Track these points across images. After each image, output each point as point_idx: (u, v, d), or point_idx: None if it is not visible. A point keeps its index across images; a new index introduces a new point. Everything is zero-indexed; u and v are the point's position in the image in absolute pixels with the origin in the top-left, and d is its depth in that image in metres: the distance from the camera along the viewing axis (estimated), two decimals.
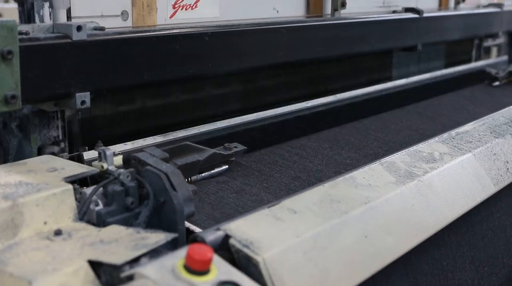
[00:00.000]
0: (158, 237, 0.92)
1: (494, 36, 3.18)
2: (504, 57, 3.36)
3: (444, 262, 1.38)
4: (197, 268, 0.83)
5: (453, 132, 1.63)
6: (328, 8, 2.16)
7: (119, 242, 0.91)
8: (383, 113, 2.11)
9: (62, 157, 1.33)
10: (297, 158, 1.63)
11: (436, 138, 1.56)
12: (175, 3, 1.68)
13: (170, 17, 1.68)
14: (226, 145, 1.56)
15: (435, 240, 1.34)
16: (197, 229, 1.09)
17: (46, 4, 1.35)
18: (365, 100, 2.26)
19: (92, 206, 1.02)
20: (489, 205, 1.56)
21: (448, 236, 1.40)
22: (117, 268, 0.85)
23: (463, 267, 1.44)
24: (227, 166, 1.54)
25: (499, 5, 3.14)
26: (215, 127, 1.72)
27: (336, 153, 1.68)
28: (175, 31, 1.53)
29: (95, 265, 0.87)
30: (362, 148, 1.71)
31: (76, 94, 1.29)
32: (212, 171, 1.50)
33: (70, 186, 1.03)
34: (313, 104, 2.04)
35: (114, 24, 1.52)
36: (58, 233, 0.96)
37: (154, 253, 0.89)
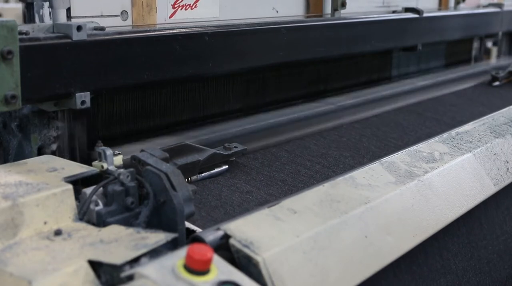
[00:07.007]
0: (158, 237, 0.92)
1: (494, 36, 3.19)
2: (504, 57, 3.37)
3: None
4: (197, 268, 0.83)
5: (453, 132, 1.62)
6: (328, 8, 2.16)
7: (119, 242, 0.91)
8: (402, 121, 2.11)
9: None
10: (319, 167, 1.62)
11: (436, 138, 1.56)
12: (175, 3, 1.68)
13: (170, 17, 1.68)
14: (226, 144, 1.56)
15: (441, 267, 1.35)
16: (197, 229, 1.09)
17: (46, 4, 1.35)
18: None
19: (92, 206, 1.01)
20: (495, 228, 1.57)
21: (454, 263, 1.41)
22: (117, 268, 0.85)
23: None
24: (227, 166, 1.54)
25: (499, 5, 3.14)
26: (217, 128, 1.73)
27: (358, 162, 1.66)
28: (175, 31, 1.53)
29: (95, 265, 0.87)
30: (383, 156, 1.70)
31: (76, 94, 1.29)
32: (212, 171, 1.50)
33: (70, 186, 1.03)
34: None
35: (113, 24, 1.52)
36: (58, 233, 0.96)
37: (154, 253, 0.89)
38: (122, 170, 1.06)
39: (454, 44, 2.98)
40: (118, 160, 1.16)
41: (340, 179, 1.24)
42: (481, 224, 1.53)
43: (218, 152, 1.51)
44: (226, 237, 0.96)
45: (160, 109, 1.66)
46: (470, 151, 1.51)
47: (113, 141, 1.47)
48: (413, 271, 1.28)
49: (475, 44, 3.16)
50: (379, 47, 2.28)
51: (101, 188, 1.03)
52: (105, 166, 1.10)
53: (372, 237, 1.12)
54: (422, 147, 1.49)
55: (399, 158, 1.40)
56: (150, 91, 1.62)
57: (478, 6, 3.14)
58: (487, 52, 3.31)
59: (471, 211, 1.42)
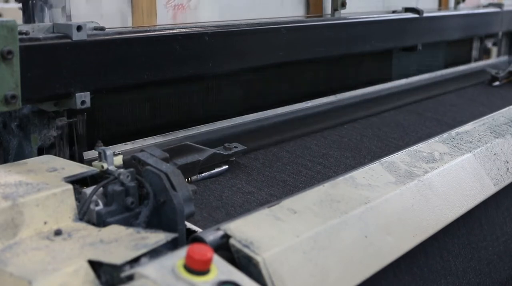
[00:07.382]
0: (158, 237, 0.92)
1: (494, 36, 3.19)
2: (504, 57, 3.37)
3: None
4: (197, 268, 0.83)
5: (453, 132, 1.62)
6: (328, 8, 2.16)
7: (119, 242, 0.91)
8: (402, 121, 2.11)
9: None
10: (320, 167, 1.62)
11: (436, 138, 1.56)
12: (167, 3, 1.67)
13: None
14: (226, 145, 1.56)
15: (441, 268, 1.34)
16: (197, 229, 1.09)
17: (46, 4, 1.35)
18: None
19: (92, 206, 1.01)
20: (495, 229, 1.56)
21: (454, 264, 1.41)
22: (117, 268, 0.85)
23: None
24: (227, 166, 1.54)
25: (499, 5, 3.14)
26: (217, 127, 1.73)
27: (359, 162, 1.66)
28: (175, 31, 1.53)
29: (95, 265, 0.87)
30: (384, 156, 1.71)
31: (76, 94, 1.29)
32: (212, 171, 1.50)
33: (70, 186, 1.03)
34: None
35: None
36: (58, 233, 0.96)
37: (154, 253, 0.89)
38: (122, 170, 1.06)
39: (454, 44, 2.98)
40: (118, 160, 1.16)
41: (340, 179, 1.24)
42: (481, 225, 1.53)
43: (218, 152, 1.51)
44: (226, 237, 0.96)
45: None
46: (470, 151, 1.51)
47: None
48: (413, 272, 1.28)
49: (475, 44, 3.16)
50: (379, 47, 2.28)
51: (101, 188, 1.03)
52: (105, 166, 1.10)
53: (372, 237, 1.12)
54: (422, 147, 1.49)
55: (399, 158, 1.40)
56: None
57: (478, 6, 3.14)
58: (487, 52, 3.31)
59: (471, 211, 1.42)
